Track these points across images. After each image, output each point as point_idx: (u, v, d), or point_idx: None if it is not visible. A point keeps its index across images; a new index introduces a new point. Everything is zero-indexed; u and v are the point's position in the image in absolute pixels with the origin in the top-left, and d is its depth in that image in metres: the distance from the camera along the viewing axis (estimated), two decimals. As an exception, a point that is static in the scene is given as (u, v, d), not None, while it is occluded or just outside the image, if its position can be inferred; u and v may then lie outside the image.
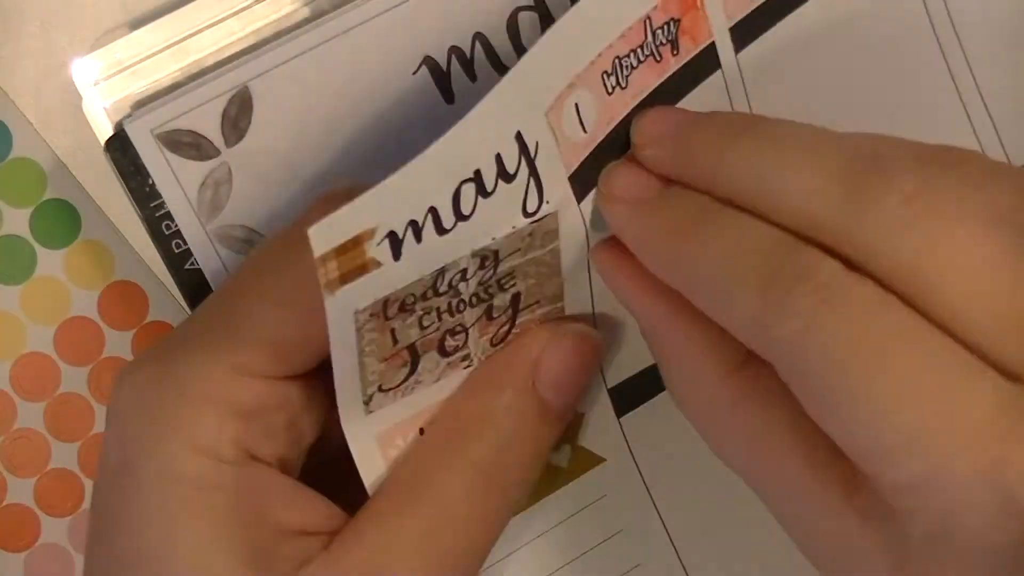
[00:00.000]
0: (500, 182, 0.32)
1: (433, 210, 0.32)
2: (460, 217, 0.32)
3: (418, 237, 0.31)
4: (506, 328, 0.36)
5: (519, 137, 0.32)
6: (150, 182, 0.37)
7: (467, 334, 0.35)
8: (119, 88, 0.37)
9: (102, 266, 0.41)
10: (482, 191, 0.32)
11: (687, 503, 0.39)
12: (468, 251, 0.33)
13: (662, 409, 0.39)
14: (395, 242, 0.31)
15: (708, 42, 0.36)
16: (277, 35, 0.37)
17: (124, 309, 0.42)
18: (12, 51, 0.39)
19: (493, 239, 0.33)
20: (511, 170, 0.32)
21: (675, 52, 0.36)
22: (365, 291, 0.32)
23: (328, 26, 0.37)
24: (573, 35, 0.33)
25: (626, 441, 0.39)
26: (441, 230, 0.32)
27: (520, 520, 0.39)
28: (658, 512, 0.39)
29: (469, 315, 0.35)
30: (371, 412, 0.35)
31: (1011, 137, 0.38)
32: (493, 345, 0.36)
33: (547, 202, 0.34)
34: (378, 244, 0.31)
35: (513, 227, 0.34)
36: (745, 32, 0.37)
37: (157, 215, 0.37)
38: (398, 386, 0.35)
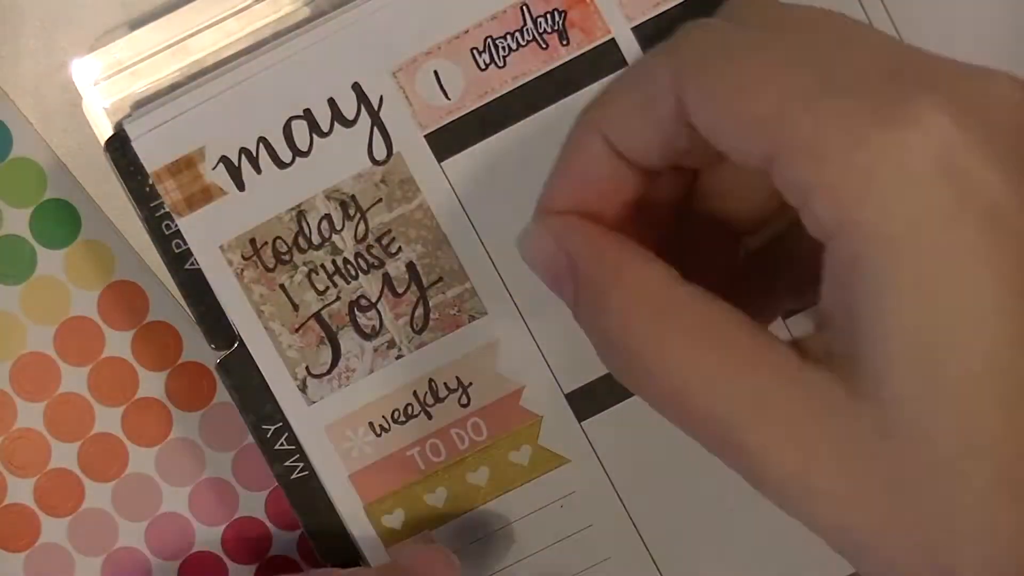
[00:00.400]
0: (337, 125, 0.37)
1: (264, 140, 0.37)
2: (298, 152, 0.37)
3: (256, 167, 0.36)
4: (422, 311, 0.38)
5: (357, 87, 0.37)
6: (150, 182, 0.37)
7: (378, 312, 0.38)
8: (119, 88, 0.37)
9: (102, 266, 0.41)
10: (316, 130, 0.37)
11: (657, 503, 0.39)
12: (319, 190, 0.37)
13: (627, 416, 0.39)
14: (232, 169, 0.36)
15: (606, 38, 0.38)
16: (276, 35, 0.37)
17: (124, 309, 0.42)
18: (12, 51, 0.39)
19: (342, 180, 0.37)
20: (349, 116, 0.37)
21: (565, 42, 0.37)
22: (220, 221, 0.37)
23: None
24: (427, 9, 0.37)
25: (590, 444, 0.39)
26: (280, 163, 0.37)
27: (485, 510, 0.40)
28: (627, 511, 0.39)
29: (368, 284, 0.37)
30: (313, 403, 0.38)
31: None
32: (416, 332, 0.38)
33: (397, 153, 0.37)
34: (213, 168, 0.36)
35: (360, 171, 0.37)
36: (653, 34, 0.38)
37: (157, 215, 0.37)
38: (329, 371, 0.38)
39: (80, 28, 0.39)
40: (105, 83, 0.37)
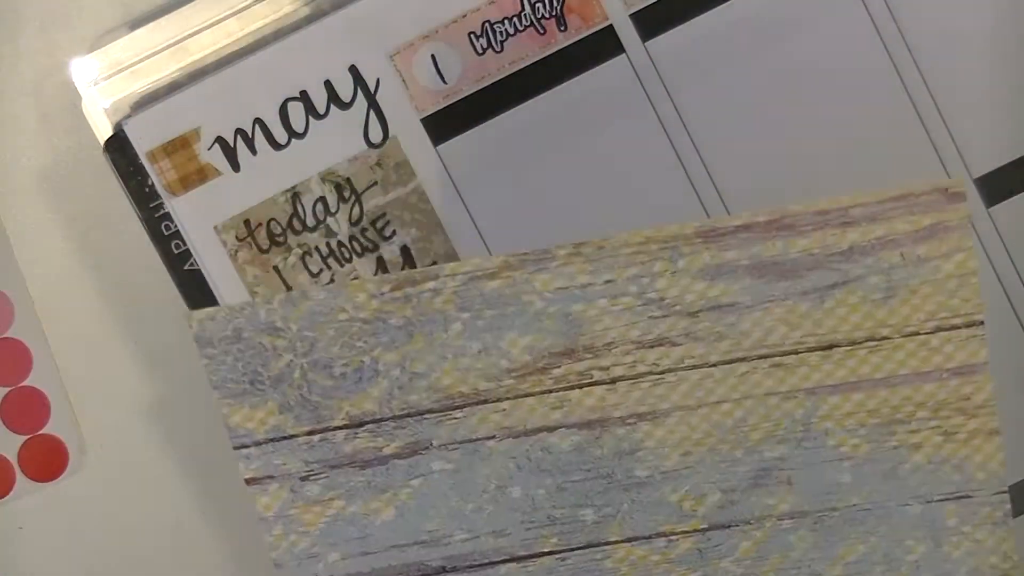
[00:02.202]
0: (333, 107, 0.37)
1: (260, 122, 0.37)
2: (293, 134, 0.37)
3: (252, 148, 0.36)
4: None
5: (354, 70, 0.37)
6: (150, 182, 0.37)
7: None
8: (119, 88, 0.37)
9: None
10: (313, 112, 0.37)
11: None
12: (315, 172, 0.37)
13: None
14: (227, 149, 0.36)
15: (604, 24, 0.38)
16: (276, 35, 0.37)
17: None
18: (12, 51, 0.39)
19: (338, 163, 0.37)
20: (345, 98, 0.37)
21: (562, 28, 0.38)
22: (214, 202, 0.37)
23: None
24: None
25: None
26: (276, 144, 0.37)
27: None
28: None
29: (361, 267, 0.38)
30: None
31: (968, 144, 0.38)
32: None
33: (393, 136, 0.38)
34: (209, 148, 0.37)
35: (355, 154, 0.38)
36: (651, 21, 0.38)
37: (157, 215, 0.38)
38: None
39: (80, 28, 0.39)
40: (105, 83, 0.37)
